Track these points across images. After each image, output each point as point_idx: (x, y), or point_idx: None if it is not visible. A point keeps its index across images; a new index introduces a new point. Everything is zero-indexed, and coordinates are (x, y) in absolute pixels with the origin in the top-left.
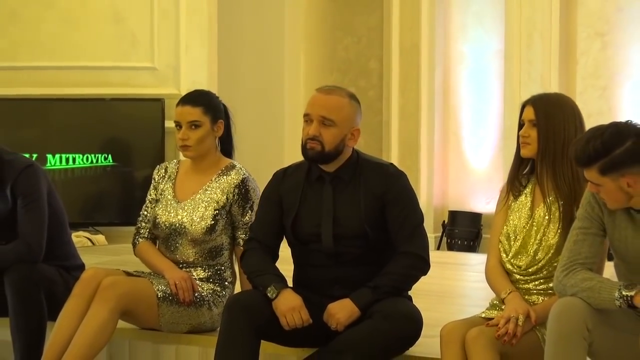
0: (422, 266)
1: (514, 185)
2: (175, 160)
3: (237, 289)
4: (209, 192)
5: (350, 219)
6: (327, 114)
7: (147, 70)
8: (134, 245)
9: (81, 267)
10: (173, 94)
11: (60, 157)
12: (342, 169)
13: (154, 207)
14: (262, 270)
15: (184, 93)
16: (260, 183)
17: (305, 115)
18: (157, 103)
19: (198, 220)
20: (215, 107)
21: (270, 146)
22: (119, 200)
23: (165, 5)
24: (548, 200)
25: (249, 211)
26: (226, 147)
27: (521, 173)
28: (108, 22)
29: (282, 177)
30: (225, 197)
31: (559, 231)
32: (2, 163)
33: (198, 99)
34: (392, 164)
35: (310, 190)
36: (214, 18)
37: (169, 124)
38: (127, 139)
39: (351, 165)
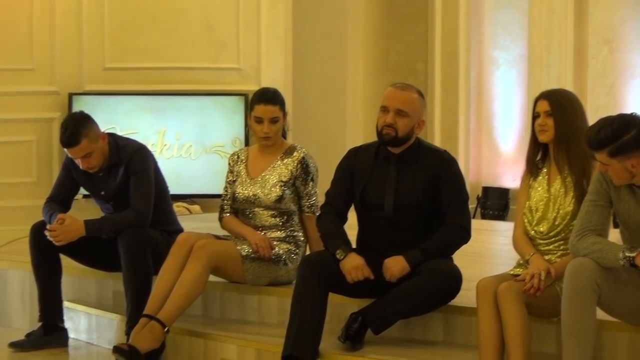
0: (465, 236)
1: (531, 166)
2: (245, 147)
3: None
4: (276, 168)
5: (409, 192)
6: (402, 106)
7: (234, 70)
8: (220, 220)
9: (181, 231)
10: (255, 90)
11: (164, 141)
12: (405, 152)
13: (232, 185)
14: (333, 235)
15: None
16: (327, 160)
17: (383, 106)
18: (241, 97)
19: (268, 192)
20: (284, 103)
21: (335, 132)
22: (211, 176)
23: (249, 17)
24: (563, 176)
25: (310, 182)
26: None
27: (536, 156)
28: (202, 31)
29: (355, 154)
30: (290, 172)
31: (572, 200)
32: (118, 148)
33: (275, 98)
34: (446, 150)
35: (378, 167)
36: (289, 28)
37: None
38: (218, 126)
39: (413, 149)
